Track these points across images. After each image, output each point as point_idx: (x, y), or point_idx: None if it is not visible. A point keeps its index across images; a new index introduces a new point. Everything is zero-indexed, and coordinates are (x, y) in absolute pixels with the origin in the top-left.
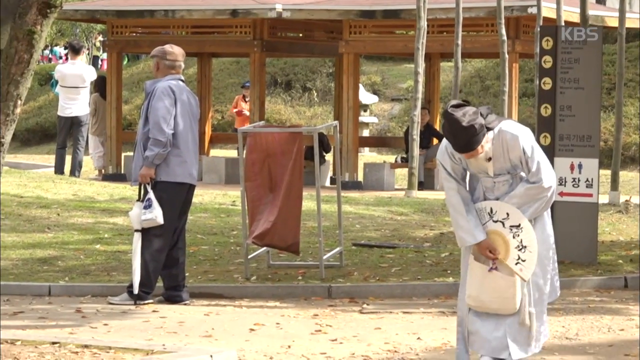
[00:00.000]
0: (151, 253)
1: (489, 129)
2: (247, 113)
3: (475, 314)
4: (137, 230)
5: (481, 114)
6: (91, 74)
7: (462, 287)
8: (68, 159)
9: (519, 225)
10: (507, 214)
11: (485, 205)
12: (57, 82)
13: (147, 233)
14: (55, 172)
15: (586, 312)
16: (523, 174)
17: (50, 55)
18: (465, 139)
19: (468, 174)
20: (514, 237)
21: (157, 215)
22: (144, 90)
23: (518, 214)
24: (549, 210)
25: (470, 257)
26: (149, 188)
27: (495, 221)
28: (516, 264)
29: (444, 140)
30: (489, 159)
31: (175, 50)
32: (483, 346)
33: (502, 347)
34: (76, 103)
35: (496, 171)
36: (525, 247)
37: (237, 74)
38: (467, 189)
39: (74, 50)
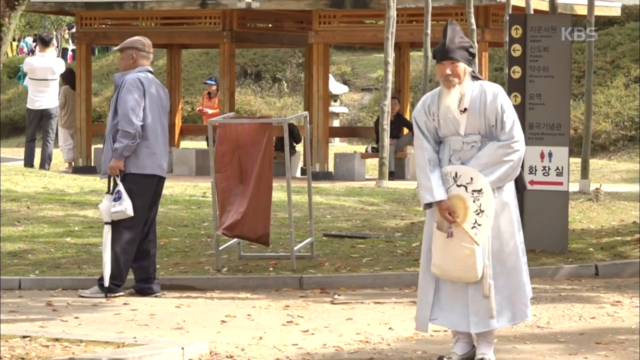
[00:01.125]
0: (121, 246)
1: (473, 77)
2: (209, 111)
3: (438, 287)
4: (107, 223)
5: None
6: (60, 66)
7: (423, 255)
8: (38, 151)
9: (480, 190)
10: (471, 179)
11: (450, 170)
12: (24, 74)
13: (117, 226)
14: (25, 165)
15: (557, 300)
16: (487, 143)
17: (21, 46)
18: (455, 44)
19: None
20: (474, 202)
21: (126, 207)
22: (114, 83)
23: (482, 179)
24: (513, 185)
25: (434, 226)
26: (118, 180)
27: (459, 185)
28: (472, 227)
29: (422, 98)
30: (465, 110)
31: (149, 42)
32: (446, 319)
33: (463, 320)
34: (46, 95)
35: (467, 129)
36: (482, 211)
37: (207, 65)
38: (436, 149)
39: (44, 42)
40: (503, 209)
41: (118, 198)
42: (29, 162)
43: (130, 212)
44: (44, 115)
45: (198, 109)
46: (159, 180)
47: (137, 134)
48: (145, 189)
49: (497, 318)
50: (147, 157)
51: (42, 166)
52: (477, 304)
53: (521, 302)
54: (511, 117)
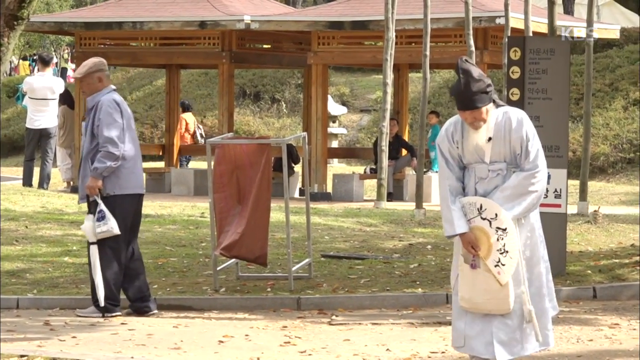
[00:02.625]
0: (109, 267)
1: (496, 105)
2: (187, 136)
3: (462, 314)
4: (92, 243)
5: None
6: (60, 86)
7: (454, 283)
8: (36, 171)
9: (505, 229)
10: (496, 215)
11: (476, 200)
12: (23, 95)
13: (102, 246)
14: (24, 185)
15: (555, 322)
16: (515, 171)
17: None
18: (473, 92)
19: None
20: (498, 240)
21: (112, 226)
22: (86, 106)
23: (507, 217)
24: (539, 215)
25: (460, 259)
26: (98, 200)
27: (484, 218)
28: (495, 266)
29: (445, 125)
30: (489, 139)
31: (105, 61)
32: (470, 347)
33: (488, 348)
34: (45, 115)
35: (493, 157)
36: (507, 252)
37: (206, 86)
38: (461, 179)
39: (43, 62)
40: (530, 235)
41: (102, 217)
42: (27, 181)
43: (116, 230)
44: (42, 135)
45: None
46: (139, 198)
47: (121, 156)
48: (129, 208)
49: (523, 345)
50: (127, 176)
51: (41, 185)
52: (502, 331)
53: (545, 327)
54: (536, 146)
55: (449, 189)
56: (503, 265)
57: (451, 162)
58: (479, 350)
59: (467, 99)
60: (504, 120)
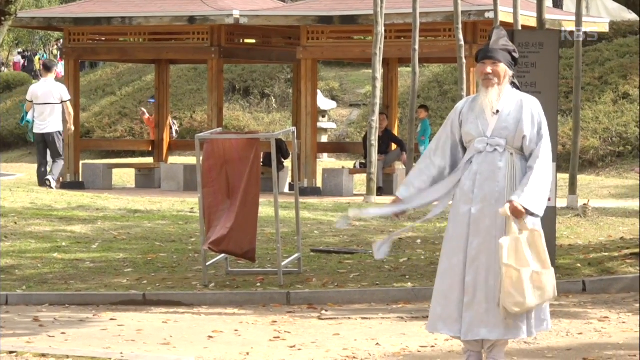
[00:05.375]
0: None
1: (515, 86)
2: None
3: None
4: None
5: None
6: (62, 91)
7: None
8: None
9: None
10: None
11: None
12: (27, 113)
13: None
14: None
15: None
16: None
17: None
18: (501, 45)
19: (458, 147)
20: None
21: None
22: None
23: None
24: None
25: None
26: None
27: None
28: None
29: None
30: (497, 112)
31: None
32: (438, 327)
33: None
34: (49, 119)
35: (495, 132)
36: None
37: (195, 81)
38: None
39: (46, 68)
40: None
41: None
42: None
43: None
44: (48, 139)
45: (146, 117)
46: None
47: None
48: None
49: (491, 329)
50: None
51: (49, 179)
52: (472, 312)
53: (529, 317)
54: (547, 133)
55: (424, 166)
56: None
57: (449, 132)
58: (447, 329)
59: (491, 50)
60: (517, 102)
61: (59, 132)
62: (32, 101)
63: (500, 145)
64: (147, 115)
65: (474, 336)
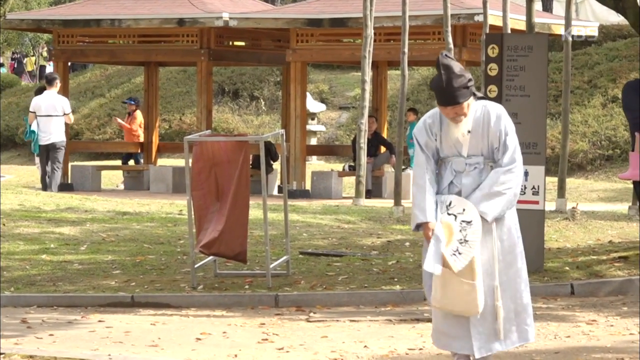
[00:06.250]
0: None
1: (476, 98)
2: (122, 122)
3: (438, 312)
4: None
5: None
6: (64, 104)
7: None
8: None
9: (470, 222)
10: (463, 210)
11: (445, 198)
12: (30, 126)
13: None
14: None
15: (533, 319)
16: (492, 165)
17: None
18: (454, 87)
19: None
20: (460, 231)
21: None
22: None
23: (474, 212)
24: (515, 210)
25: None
26: None
27: (450, 214)
28: (452, 255)
29: (423, 117)
30: (468, 132)
31: None
32: (449, 344)
33: (467, 343)
34: (52, 130)
35: (470, 150)
36: (466, 241)
37: (185, 83)
38: (436, 171)
39: (48, 81)
40: (507, 232)
41: None
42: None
43: None
44: (50, 148)
45: (119, 122)
46: None
47: None
48: None
49: (502, 341)
50: None
51: (49, 188)
52: (479, 328)
53: (524, 323)
54: (514, 141)
55: (428, 181)
56: (460, 254)
57: (427, 153)
58: (457, 347)
59: (448, 94)
60: (482, 114)
61: (63, 142)
62: (34, 112)
63: (479, 162)
64: (120, 122)
65: (488, 351)
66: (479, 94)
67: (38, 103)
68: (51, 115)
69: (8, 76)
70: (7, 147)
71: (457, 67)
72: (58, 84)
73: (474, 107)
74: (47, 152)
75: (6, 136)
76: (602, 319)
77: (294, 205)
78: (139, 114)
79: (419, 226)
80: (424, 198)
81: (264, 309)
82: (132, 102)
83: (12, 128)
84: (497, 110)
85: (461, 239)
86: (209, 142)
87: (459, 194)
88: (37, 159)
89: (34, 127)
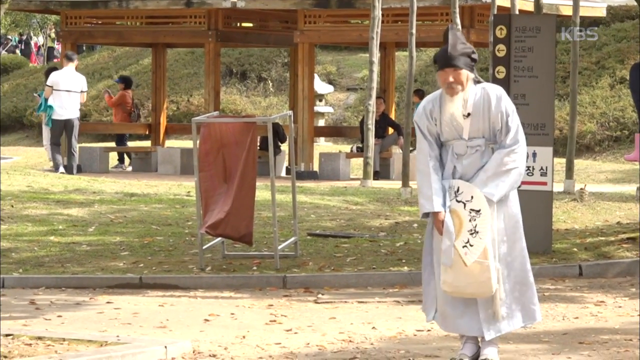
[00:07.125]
0: None
1: (475, 81)
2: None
3: (445, 296)
4: None
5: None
6: (83, 83)
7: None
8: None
9: (478, 210)
10: (472, 197)
11: (454, 184)
12: (46, 100)
13: None
14: (56, 170)
15: (541, 300)
16: (493, 147)
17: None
18: (458, 51)
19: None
20: (470, 221)
21: None
22: None
23: (482, 199)
24: (516, 191)
25: (438, 239)
26: None
27: (458, 201)
28: (463, 246)
29: (422, 102)
30: (468, 115)
31: None
32: (456, 327)
33: (475, 325)
34: (68, 107)
35: (471, 133)
36: (477, 232)
37: (192, 65)
38: (439, 157)
39: (68, 58)
40: (509, 212)
41: None
42: (56, 163)
43: None
44: (67, 125)
45: (107, 96)
46: None
47: None
48: None
49: (508, 321)
50: None
51: (70, 172)
52: (488, 310)
53: (531, 302)
54: (516, 121)
55: (432, 167)
56: (471, 246)
57: (430, 139)
58: (465, 328)
59: (451, 57)
60: (482, 96)
61: (78, 118)
62: (52, 87)
63: (480, 145)
64: (107, 95)
65: (497, 332)
66: (479, 78)
67: (56, 78)
68: (70, 90)
69: (16, 57)
70: (15, 128)
71: (462, 36)
72: (76, 60)
73: (474, 90)
74: (60, 129)
75: (14, 117)
76: (610, 300)
77: (301, 186)
78: (125, 95)
79: (426, 214)
80: (430, 186)
81: (272, 290)
82: (118, 81)
83: (20, 109)
84: (496, 92)
85: (471, 230)
86: (217, 124)
87: (460, 176)
88: (45, 142)
89: (50, 101)
